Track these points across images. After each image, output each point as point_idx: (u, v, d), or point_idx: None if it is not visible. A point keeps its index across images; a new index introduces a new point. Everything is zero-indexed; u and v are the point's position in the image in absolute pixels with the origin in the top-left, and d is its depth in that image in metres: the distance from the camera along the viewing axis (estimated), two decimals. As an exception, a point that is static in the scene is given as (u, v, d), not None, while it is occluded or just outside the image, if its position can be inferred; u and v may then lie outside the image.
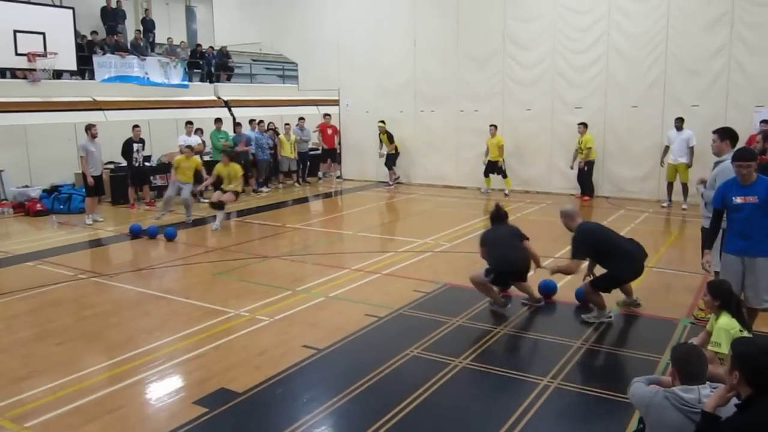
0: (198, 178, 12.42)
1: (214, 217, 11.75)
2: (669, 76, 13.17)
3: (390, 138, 16.37)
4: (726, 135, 6.22)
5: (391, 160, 16.53)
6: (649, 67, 13.35)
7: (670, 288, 7.60)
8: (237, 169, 12.04)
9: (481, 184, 15.34)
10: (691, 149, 12.19)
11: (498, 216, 7.18)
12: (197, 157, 12.68)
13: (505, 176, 14.82)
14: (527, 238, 6.92)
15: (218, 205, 11.69)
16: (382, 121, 16.44)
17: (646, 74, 13.40)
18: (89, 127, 12.20)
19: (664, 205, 12.83)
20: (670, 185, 12.74)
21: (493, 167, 14.83)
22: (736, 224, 5.32)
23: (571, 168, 14.06)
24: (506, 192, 14.82)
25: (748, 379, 2.85)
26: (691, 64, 12.90)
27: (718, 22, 12.51)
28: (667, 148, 12.56)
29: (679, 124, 12.36)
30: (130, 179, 14.01)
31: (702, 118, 12.49)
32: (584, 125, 13.62)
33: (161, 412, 4.65)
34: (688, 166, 12.28)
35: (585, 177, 13.78)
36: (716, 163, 6.21)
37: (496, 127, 14.61)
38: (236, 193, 12.09)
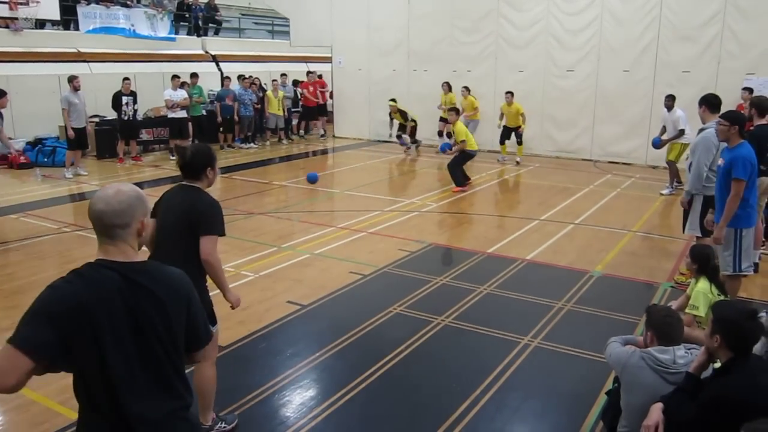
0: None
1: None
2: (662, 41, 13.04)
3: (404, 116, 15.41)
4: (702, 101, 6.16)
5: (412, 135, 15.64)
6: (642, 31, 13.20)
7: (652, 252, 7.68)
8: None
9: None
10: (681, 132, 10.26)
11: None
12: None
13: (520, 143, 13.73)
14: None
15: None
16: (393, 100, 15.44)
17: (639, 39, 13.26)
18: (72, 79, 11.93)
19: (664, 192, 10.86)
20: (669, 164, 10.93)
21: (508, 133, 13.92)
22: None
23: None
24: (518, 160, 13.75)
25: (728, 343, 2.88)
26: (684, 30, 12.76)
27: (713, -12, 12.35)
28: (664, 129, 10.74)
29: (669, 102, 10.45)
30: (119, 133, 13.80)
31: (693, 85, 12.40)
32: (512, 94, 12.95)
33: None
34: (683, 145, 10.31)
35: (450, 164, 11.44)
36: (699, 131, 6.20)
37: (512, 93, 13.49)
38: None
